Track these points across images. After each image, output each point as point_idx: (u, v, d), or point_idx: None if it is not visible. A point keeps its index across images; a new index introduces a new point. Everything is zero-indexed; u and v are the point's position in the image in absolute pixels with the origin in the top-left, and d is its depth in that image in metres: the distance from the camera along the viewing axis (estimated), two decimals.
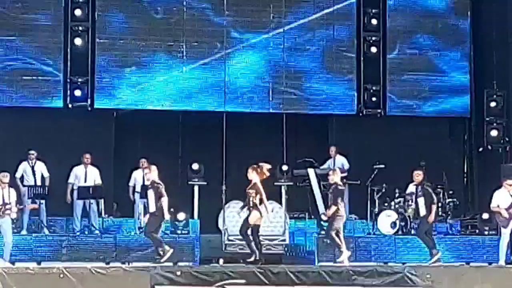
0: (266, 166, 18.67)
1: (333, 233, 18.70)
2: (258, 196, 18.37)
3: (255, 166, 18.57)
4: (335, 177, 19.35)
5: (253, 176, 18.47)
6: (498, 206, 19.06)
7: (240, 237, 19.26)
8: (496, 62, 24.82)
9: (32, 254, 20.10)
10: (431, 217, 19.20)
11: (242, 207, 18.83)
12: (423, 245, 19.58)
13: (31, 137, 23.26)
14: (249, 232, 18.34)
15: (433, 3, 25.95)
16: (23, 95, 24.34)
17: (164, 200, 18.38)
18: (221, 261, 19.22)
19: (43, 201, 21.39)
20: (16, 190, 19.89)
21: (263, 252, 19.18)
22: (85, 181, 21.72)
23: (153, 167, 18.86)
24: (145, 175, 19.56)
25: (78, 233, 21.32)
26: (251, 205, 18.36)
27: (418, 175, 19.75)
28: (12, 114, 24.13)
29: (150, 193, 18.53)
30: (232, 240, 20.65)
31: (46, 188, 21.43)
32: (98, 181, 21.79)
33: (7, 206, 18.59)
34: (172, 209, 20.32)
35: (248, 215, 18.37)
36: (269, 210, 18.80)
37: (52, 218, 21.90)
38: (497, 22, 24.92)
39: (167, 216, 18.69)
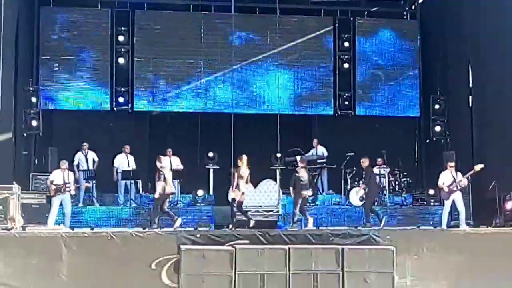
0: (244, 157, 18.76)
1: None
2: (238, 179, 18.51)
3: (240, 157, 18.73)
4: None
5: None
6: (443, 183, 19.03)
7: (245, 207, 19.32)
8: (439, 73, 24.78)
9: (87, 222, 20.12)
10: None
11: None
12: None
13: (86, 133, 23.26)
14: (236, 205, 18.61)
15: (390, 29, 25.95)
16: (81, 101, 24.36)
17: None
18: (230, 226, 19.14)
19: (94, 181, 21.39)
20: (74, 173, 19.93)
21: (262, 219, 19.30)
22: (128, 166, 21.66)
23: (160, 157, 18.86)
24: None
25: (121, 206, 21.30)
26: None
27: (363, 162, 19.81)
28: (72, 116, 24.15)
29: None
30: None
31: (95, 172, 21.41)
32: (134, 166, 21.73)
33: (67, 185, 18.60)
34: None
35: None
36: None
37: (102, 194, 21.86)
38: (440, 42, 24.86)
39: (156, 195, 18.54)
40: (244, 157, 18.70)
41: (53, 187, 18.50)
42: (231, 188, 18.79)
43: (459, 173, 19.07)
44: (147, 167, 22.43)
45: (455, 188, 18.84)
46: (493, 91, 21.29)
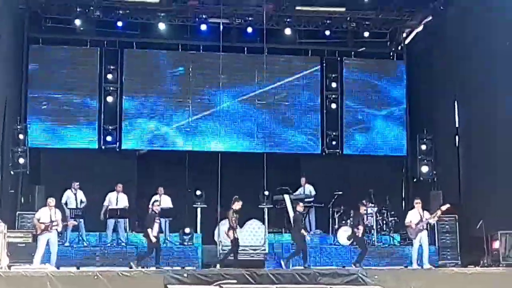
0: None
1: None
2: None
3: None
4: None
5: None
6: (410, 221, 18.96)
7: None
8: (425, 113, 24.85)
9: (73, 261, 19.79)
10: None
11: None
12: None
13: (74, 171, 23.01)
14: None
15: (377, 70, 26.06)
16: (68, 139, 24.22)
17: None
18: (217, 266, 18.95)
19: (81, 220, 21.10)
20: (61, 211, 19.66)
21: (249, 259, 19.19)
22: (117, 204, 21.37)
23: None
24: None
25: (108, 245, 21.02)
26: None
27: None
28: (60, 154, 23.97)
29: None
30: (225, 250, 20.38)
31: (84, 211, 21.16)
32: (126, 205, 21.48)
33: (54, 223, 18.32)
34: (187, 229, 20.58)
35: None
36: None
37: (89, 233, 21.56)
38: (426, 83, 24.96)
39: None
40: (238, 203, 19.15)
41: (40, 225, 18.21)
42: (229, 229, 19.07)
43: (425, 212, 19.11)
44: (135, 206, 22.24)
45: (421, 227, 18.80)
46: (480, 131, 21.32)
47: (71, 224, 19.95)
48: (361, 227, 19.38)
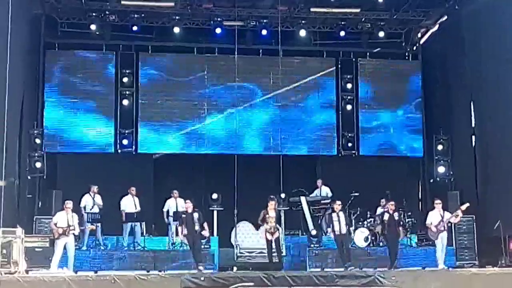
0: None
1: None
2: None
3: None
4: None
5: None
6: (431, 223, 18.90)
7: (248, 249, 19.23)
8: (442, 113, 24.76)
9: (90, 265, 19.81)
10: None
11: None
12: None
13: (90, 175, 23.06)
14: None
15: (392, 70, 26.00)
16: (84, 143, 24.31)
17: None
18: (234, 268, 18.96)
19: (99, 224, 21.15)
20: (80, 215, 19.69)
21: (264, 262, 19.18)
22: (135, 208, 21.39)
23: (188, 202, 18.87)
24: (186, 205, 19.25)
25: (125, 249, 21.05)
26: None
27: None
28: (76, 158, 24.07)
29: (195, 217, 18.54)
30: (242, 253, 20.42)
31: (101, 215, 21.21)
32: (139, 208, 21.51)
33: (71, 227, 18.35)
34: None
35: None
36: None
37: (106, 237, 21.61)
38: (442, 83, 24.88)
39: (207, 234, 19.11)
40: (271, 202, 19.13)
41: (57, 229, 18.24)
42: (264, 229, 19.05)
43: (446, 212, 19.03)
44: (152, 209, 22.28)
45: (442, 228, 18.73)
46: (496, 131, 21.21)
47: (89, 228, 20.01)
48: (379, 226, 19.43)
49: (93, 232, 20.88)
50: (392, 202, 19.68)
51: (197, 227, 18.41)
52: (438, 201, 19.27)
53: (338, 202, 19.65)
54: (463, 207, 18.98)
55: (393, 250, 19.28)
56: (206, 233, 18.94)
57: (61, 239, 18.20)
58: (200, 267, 18.13)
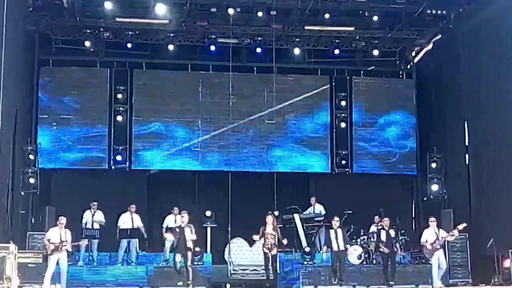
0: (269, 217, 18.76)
1: None
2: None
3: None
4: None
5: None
6: (426, 241, 18.93)
7: (242, 266, 19.12)
8: (435, 131, 24.86)
9: (84, 281, 19.81)
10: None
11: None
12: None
13: (84, 191, 23.06)
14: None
15: (387, 88, 26.10)
16: (78, 160, 24.33)
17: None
18: (228, 285, 18.95)
19: (96, 241, 21.15)
20: (74, 232, 19.61)
21: (258, 279, 19.04)
22: (133, 225, 21.38)
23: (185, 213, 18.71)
24: (182, 218, 19.10)
25: (119, 265, 21.04)
26: None
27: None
28: (70, 174, 24.08)
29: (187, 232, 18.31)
30: (236, 270, 20.41)
31: (98, 231, 21.20)
32: (141, 225, 21.49)
33: (64, 243, 18.35)
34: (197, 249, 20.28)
35: None
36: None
37: (100, 253, 21.60)
38: (436, 101, 24.96)
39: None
40: (269, 217, 18.71)
41: (50, 245, 18.24)
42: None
43: (441, 230, 19.04)
44: (146, 225, 22.28)
45: (438, 246, 18.75)
46: (490, 149, 21.30)
47: (83, 243, 19.93)
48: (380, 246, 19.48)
49: (88, 248, 20.87)
50: (387, 219, 19.71)
51: (189, 244, 18.24)
52: (433, 219, 19.28)
53: (336, 219, 19.57)
54: (460, 226, 18.97)
55: (392, 266, 19.27)
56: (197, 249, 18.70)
57: (53, 254, 18.20)
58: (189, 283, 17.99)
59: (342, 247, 19.09)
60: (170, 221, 21.57)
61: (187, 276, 17.89)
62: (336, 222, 19.43)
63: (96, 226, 21.18)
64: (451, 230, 19.21)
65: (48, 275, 18.00)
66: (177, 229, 18.52)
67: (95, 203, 21.31)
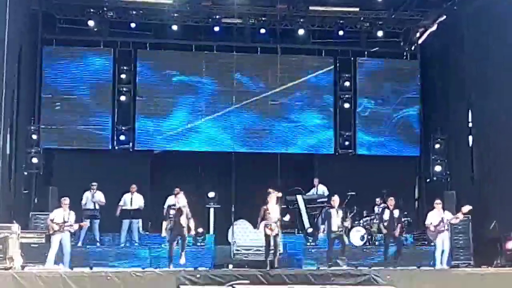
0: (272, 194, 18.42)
1: None
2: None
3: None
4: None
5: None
6: (430, 223, 18.92)
7: (245, 247, 19.11)
8: (439, 112, 24.80)
9: (86, 261, 19.89)
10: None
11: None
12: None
13: (87, 171, 23.11)
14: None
15: (391, 69, 26.01)
16: (81, 139, 24.34)
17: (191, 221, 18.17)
18: (230, 266, 18.98)
19: (97, 221, 21.22)
20: (79, 213, 19.69)
21: (260, 260, 18.95)
22: (131, 205, 21.46)
23: (181, 194, 18.65)
24: (177, 199, 19.08)
25: (122, 245, 21.11)
26: None
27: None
28: (73, 154, 24.08)
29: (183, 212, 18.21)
30: (238, 250, 20.44)
31: (99, 211, 21.25)
32: (142, 205, 21.55)
33: (66, 224, 18.40)
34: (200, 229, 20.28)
35: None
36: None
37: (102, 234, 21.66)
38: (440, 82, 24.93)
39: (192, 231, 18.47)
40: (272, 194, 18.08)
41: (53, 225, 18.30)
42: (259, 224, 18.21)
43: (446, 212, 19.04)
44: (149, 206, 22.33)
45: (442, 228, 18.74)
46: (493, 131, 21.27)
47: (84, 224, 19.96)
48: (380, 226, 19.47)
49: (90, 229, 20.94)
50: (392, 198, 19.70)
51: (184, 225, 18.15)
52: (438, 201, 19.25)
53: (334, 198, 19.29)
54: (465, 209, 18.93)
55: (398, 247, 19.32)
56: (192, 231, 18.61)
57: (56, 235, 18.27)
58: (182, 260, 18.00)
59: (340, 227, 18.87)
60: (171, 202, 21.61)
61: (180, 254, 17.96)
62: (334, 201, 19.26)
63: (96, 206, 21.21)
64: (454, 212, 19.21)
65: (51, 255, 18.09)
66: (172, 209, 18.47)
67: (95, 184, 21.39)
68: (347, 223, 19.26)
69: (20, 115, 21.57)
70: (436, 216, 18.94)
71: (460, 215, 19.10)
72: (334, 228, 18.84)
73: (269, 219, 17.87)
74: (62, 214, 18.49)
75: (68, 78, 24.50)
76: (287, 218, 19.47)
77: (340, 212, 19.05)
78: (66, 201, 18.63)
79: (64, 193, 19.62)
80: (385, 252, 19.42)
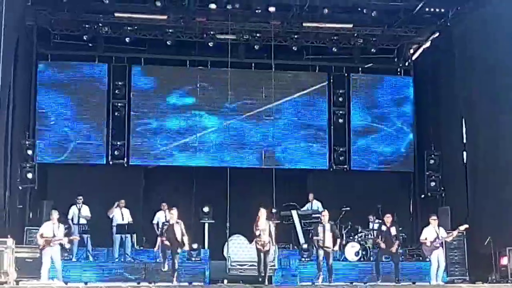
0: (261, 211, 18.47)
1: None
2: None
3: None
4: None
5: None
6: (425, 238, 18.85)
7: (240, 262, 19.03)
8: (433, 128, 24.80)
9: (80, 276, 19.72)
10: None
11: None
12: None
13: (81, 186, 22.94)
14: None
15: (384, 85, 26.02)
16: (76, 154, 24.23)
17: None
18: (225, 281, 18.87)
19: (88, 236, 21.09)
20: (69, 227, 19.59)
21: (255, 275, 18.86)
22: (123, 220, 21.38)
23: (174, 210, 18.58)
24: (170, 215, 18.99)
25: (116, 260, 20.97)
26: None
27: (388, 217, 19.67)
28: (68, 169, 23.98)
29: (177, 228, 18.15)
30: (234, 266, 20.32)
31: (87, 226, 21.09)
32: (130, 219, 21.47)
33: (55, 238, 18.21)
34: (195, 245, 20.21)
35: None
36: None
37: (96, 249, 21.52)
38: (434, 98, 24.93)
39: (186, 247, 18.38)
40: (262, 210, 18.33)
41: (42, 240, 18.10)
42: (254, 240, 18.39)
43: (441, 229, 18.99)
44: (142, 221, 22.22)
45: (437, 245, 18.68)
46: (487, 147, 21.25)
47: (74, 239, 19.78)
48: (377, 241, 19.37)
49: (83, 244, 20.81)
50: (389, 215, 19.63)
51: (177, 241, 18.11)
52: (434, 217, 19.20)
53: (324, 213, 19.30)
54: (462, 227, 18.97)
55: (395, 263, 19.24)
56: (186, 247, 18.54)
57: (45, 249, 18.07)
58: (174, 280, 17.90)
59: (328, 243, 18.72)
60: (160, 217, 21.57)
61: (172, 271, 17.88)
62: (324, 216, 19.13)
63: (83, 221, 21.08)
64: (449, 228, 19.16)
65: (44, 270, 17.89)
66: (165, 226, 18.39)
67: (80, 197, 21.26)
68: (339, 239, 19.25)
69: (15, 129, 21.45)
70: (432, 232, 18.88)
71: (455, 233, 19.08)
72: (325, 243, 18.67)
73: (260, 235, 17.90)
74: (52, 227, 18.29)
75: (63, 93, 24.41)
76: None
77: (328, 226, 18.89)
78: (54, 214, 18.47)
79: (59, 207, 19.53)
80: (377, 267, 19.29)
